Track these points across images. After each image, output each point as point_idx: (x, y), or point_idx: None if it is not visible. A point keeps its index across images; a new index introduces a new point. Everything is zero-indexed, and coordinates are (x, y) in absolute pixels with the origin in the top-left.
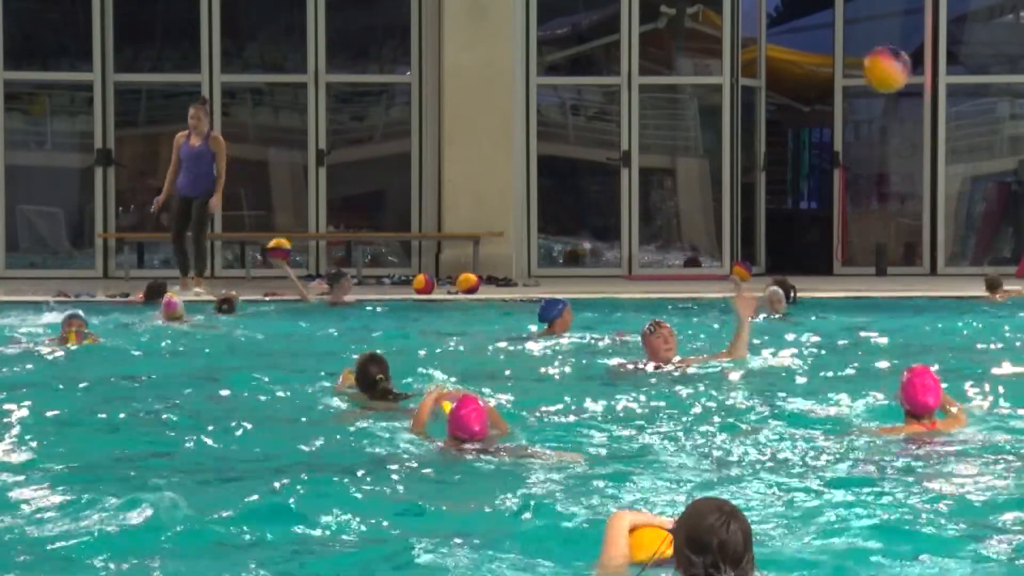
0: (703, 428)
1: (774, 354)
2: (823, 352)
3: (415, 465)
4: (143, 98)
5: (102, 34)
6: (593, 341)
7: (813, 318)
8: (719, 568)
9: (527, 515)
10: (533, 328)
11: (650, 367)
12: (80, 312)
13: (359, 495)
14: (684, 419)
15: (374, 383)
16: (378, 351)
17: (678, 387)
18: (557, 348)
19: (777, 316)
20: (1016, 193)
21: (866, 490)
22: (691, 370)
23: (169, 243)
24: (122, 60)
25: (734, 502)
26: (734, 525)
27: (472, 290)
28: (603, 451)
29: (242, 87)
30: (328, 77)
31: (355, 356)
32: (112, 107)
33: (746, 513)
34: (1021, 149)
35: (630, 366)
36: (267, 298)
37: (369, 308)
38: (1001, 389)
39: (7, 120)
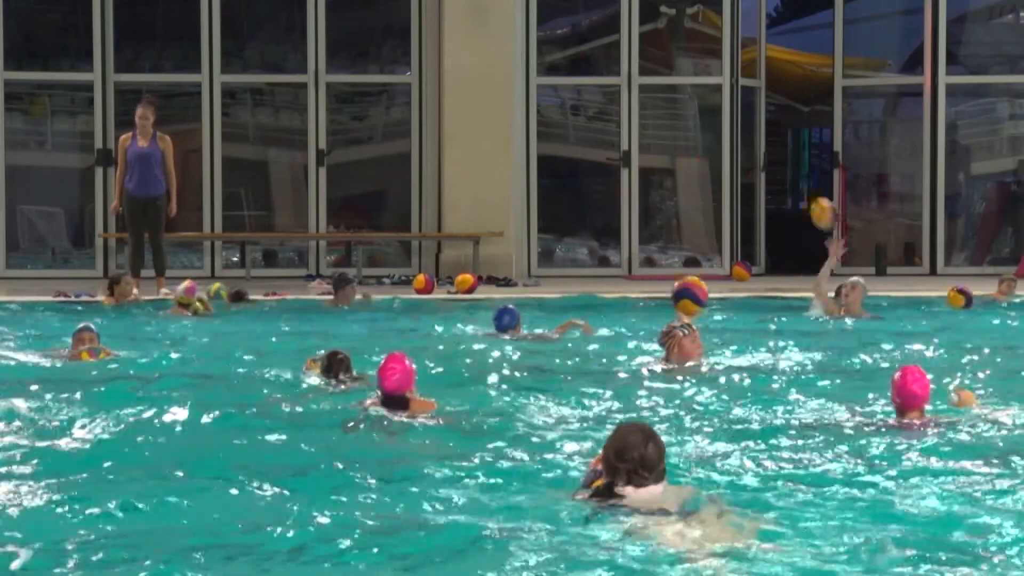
0: (701, 424)
1: (789, 353)
2: (828, 351)
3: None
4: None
5: (102, 34)
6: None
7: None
8: (638, 473)
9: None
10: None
11: (679, 366)
12: (91, 325)
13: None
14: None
15: (336, 376)
16: (341, 349)
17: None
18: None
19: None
20: (1016, 193)
21: (856, 479)
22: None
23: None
24: (122, 60)
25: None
26: (651, 444)
27: (470, 290)
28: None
29: (242, 87)
30: (328, 77)
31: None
32: (112, 107)
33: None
34: (1021, 149)
35: (658, 367)
36: (268, 297)
37: (369, 308)
38: (1000, 387)
39: (7, 120)
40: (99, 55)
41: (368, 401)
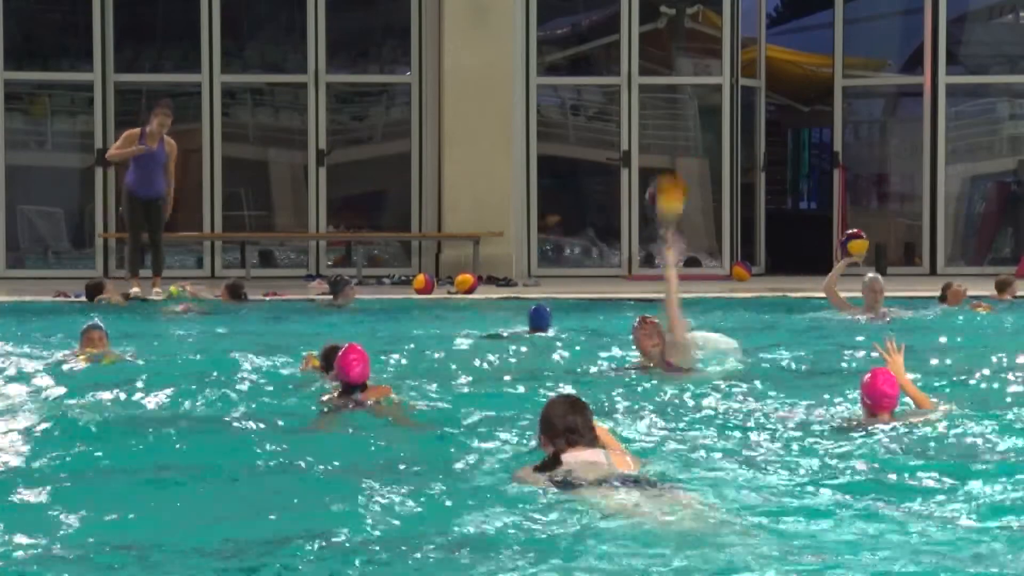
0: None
1: (769, 351)
2: (819, 350)
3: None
4: (143, 98)
5: (102, 34)
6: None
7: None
8: (571, 441)
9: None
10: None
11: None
12: (99, 323)
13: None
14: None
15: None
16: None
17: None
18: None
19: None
20: (1016, 193)
21: (826, 477)
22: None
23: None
24: (122, 60)
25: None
26: (575, 406)
27: (470, 290)
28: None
29: (242, 87)
30: (328, 77)
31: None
32: (112, 107)
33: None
34: (1021, 149)
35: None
36: (267, 298)
37: (369, 307)
38: (983, 387)
39: (7, 120)
40: (99, 55)
41: (326, 396)
